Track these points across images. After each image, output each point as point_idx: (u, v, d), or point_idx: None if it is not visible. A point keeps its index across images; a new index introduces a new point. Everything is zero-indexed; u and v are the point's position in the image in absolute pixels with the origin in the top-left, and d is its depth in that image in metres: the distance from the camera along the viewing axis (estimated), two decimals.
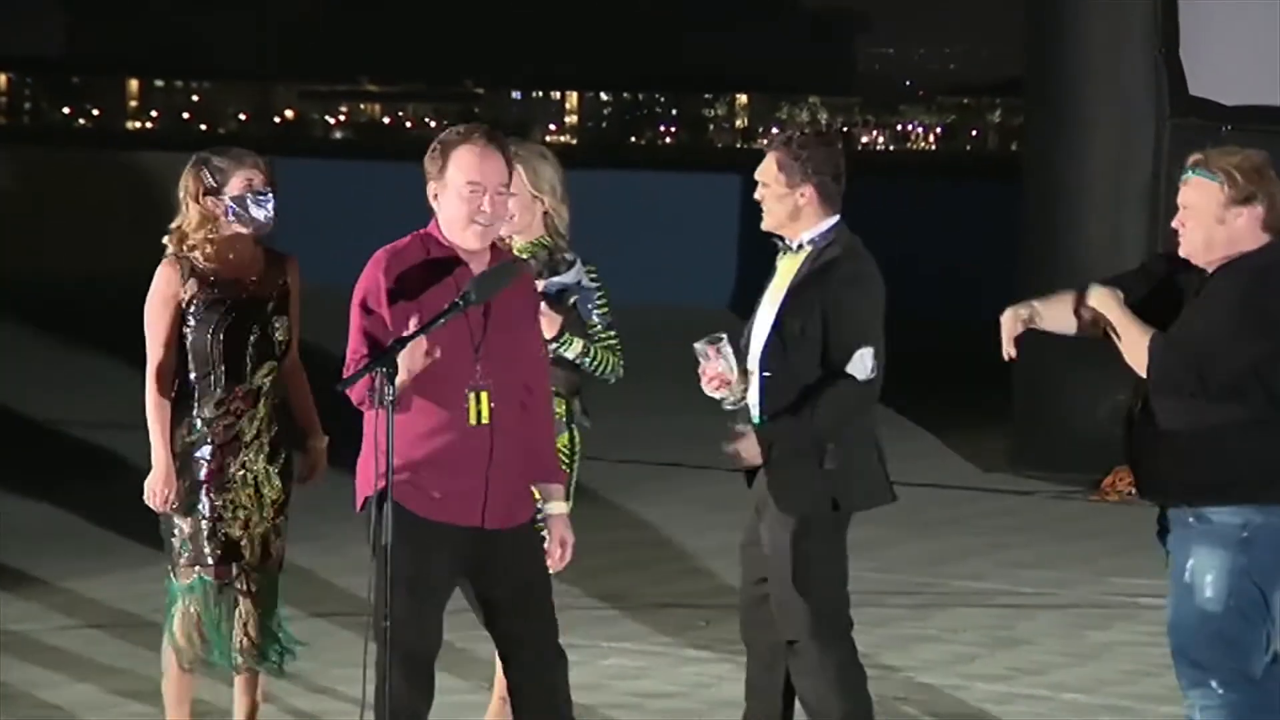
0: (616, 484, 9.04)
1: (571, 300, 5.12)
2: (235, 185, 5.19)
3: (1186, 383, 4.44)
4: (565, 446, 5.17)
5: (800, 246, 4.99)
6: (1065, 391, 10.00)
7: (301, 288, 5.34)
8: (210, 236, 5.19)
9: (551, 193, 5.21)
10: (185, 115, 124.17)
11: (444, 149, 4.51)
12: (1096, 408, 9.69)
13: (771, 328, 4.94)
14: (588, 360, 5.16)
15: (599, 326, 5.18)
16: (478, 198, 4.46)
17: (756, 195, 5.08)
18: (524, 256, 5.15)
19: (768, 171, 5.02)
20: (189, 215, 5.20)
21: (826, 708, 5.02)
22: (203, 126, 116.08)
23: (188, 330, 5.18)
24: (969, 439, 10.79)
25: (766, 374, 4.93)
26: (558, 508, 4.69)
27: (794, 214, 4.99)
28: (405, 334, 4.46)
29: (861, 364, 4.90)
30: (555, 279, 5.15)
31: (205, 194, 5.20)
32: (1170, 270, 4.65)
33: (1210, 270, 4.54)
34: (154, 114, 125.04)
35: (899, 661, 6.65)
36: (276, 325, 5.22)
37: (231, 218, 5.19)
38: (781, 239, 5.05)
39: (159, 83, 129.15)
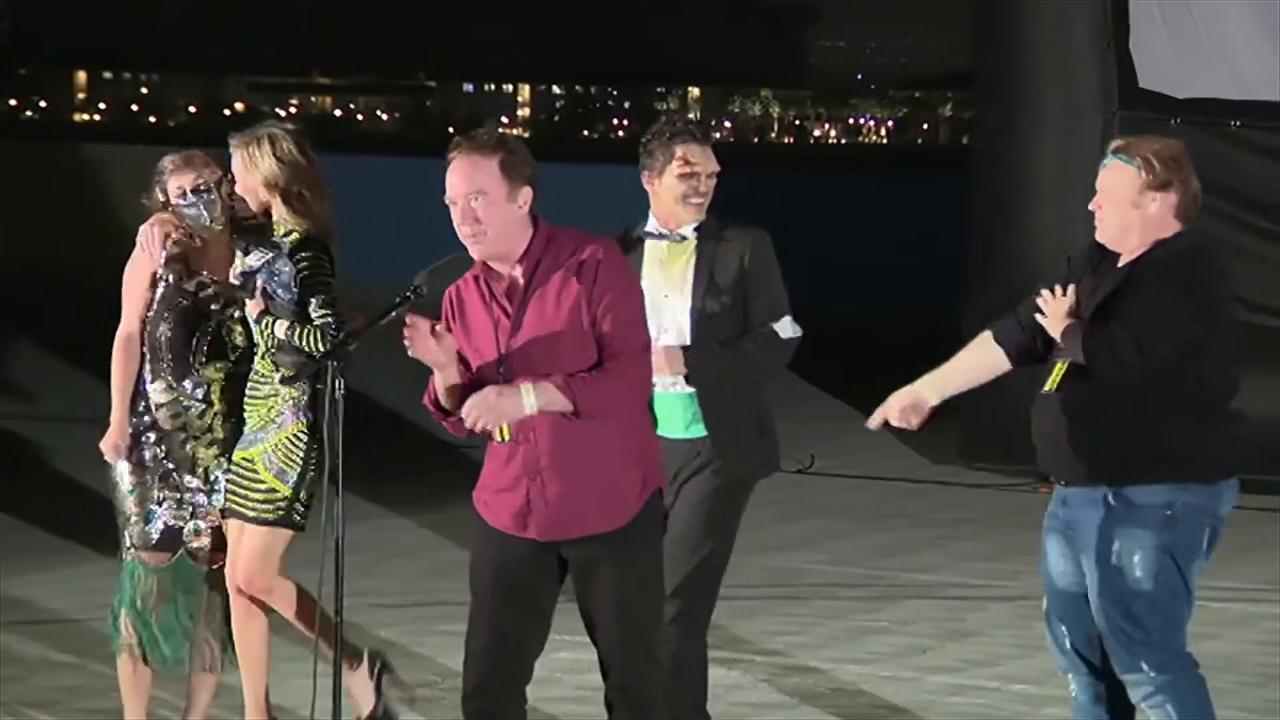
0: None
1: (258, 284, 5.20)
2: (171, 189, 5.30)
3: (1125, 358, 4.46)
4: (303, 432, 5.20)
5: (683, 237, 5.16)
6: (1014, 385, 10.03)
7: None
8: (175, 231, 5.30)
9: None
10: (134, 107, 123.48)
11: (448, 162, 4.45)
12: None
13: (693, 310, 5.08)
14: (295, 338, 5.18)
15: (314, 304, 5.19)
16: (456, 213, 4.39)
17: (704, 188, 5.17)
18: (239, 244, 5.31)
19: (713, 161, 5.17)
20: (168, 217, 5.33)
21: (697, 669, 5.12)
22: (151, 119, 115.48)
23: (147, 312, 5.29)
24: (919, 432, 10.80)
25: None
26: (527, 397, 4.33)
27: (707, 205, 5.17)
28: (354, 329, 4.44)
29: (788, 326, 5.17)
30: (246, 263, 5.26)
31: (163, 206, 5.34)
32: (1089, 261, 4.71)
33: (1129, 258, 4.60)
34: (102, 106, 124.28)
35: (850, 654, 6.68)
36: (235, 329, 5.26)
37: (183, 225, 5.29)
38: (664, 231, 5.18)
39: (107, 74, 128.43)
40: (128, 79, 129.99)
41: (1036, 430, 4.75)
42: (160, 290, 5.28)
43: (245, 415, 5.26)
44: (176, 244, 5.28)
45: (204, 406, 5.25)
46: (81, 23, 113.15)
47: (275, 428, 5.23)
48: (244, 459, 5.24)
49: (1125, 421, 4.53)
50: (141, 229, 5.35)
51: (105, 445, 5.29)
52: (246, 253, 5.28)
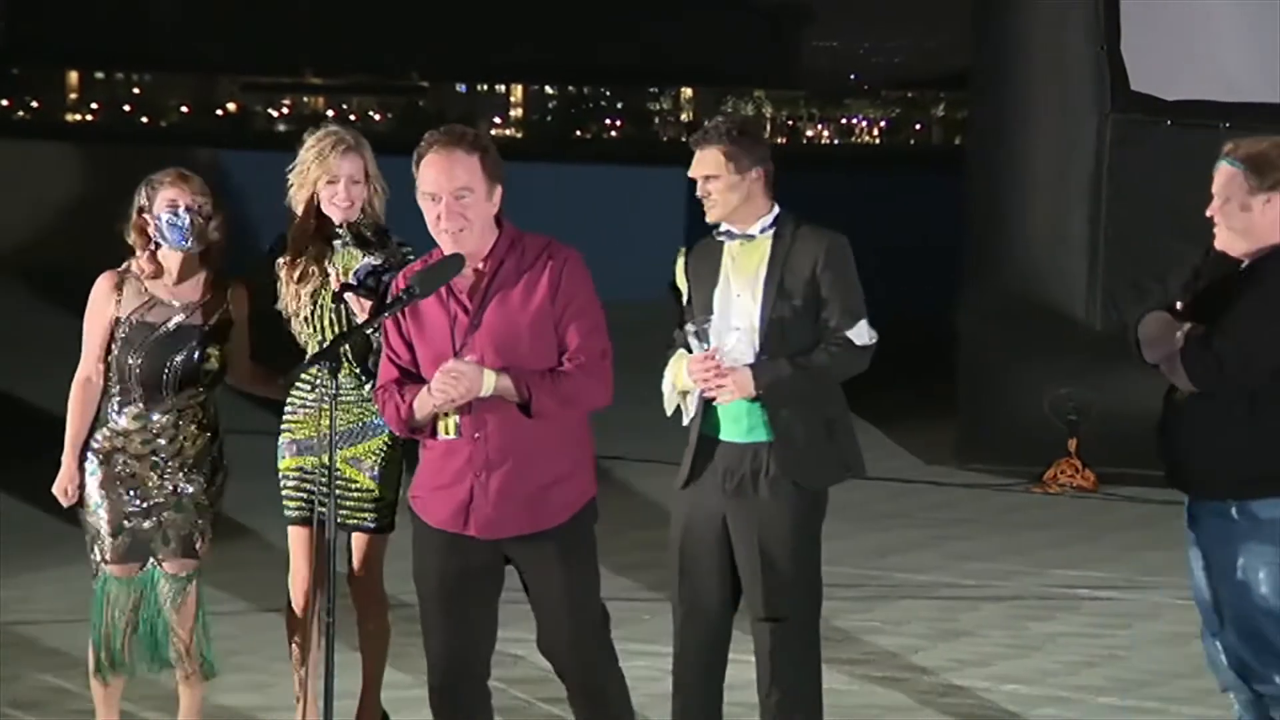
0: None
1: (384, 283, 5.10)
2: (160, 204, 5.19)
3: (1225, 372, 4.41)
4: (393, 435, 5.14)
5: (752, 236, 5.06)
6: (1009, 385, 10.06)
7: (253, 307, 5.32)
8: (150, 254, 5.23)
9: (378, 176, 5.31)
10: (126, 108, 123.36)
11: (416, 159, 4.45)
12: (1042, 401, 9.75)
13: (762, 315, 4.98)
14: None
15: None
16: (435, 208, 4.39)
17: (701, 190, 5.08)
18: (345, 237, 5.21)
19: (714, 163, 5.04)
20: (133, 238, 5.25)
21: (808, 689, 5.06)
22: (144, 119, 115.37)
23: (114, 347, 5.22)
24: (914, 432, 10.84)
25: (765, 358, 4.99)
26: (488, 375, 4.36)
27: (745, 201, 5.05)
28: (345, 330, 4.45)
29: (864, 332, 5.04)
30: (369, 261, 5.19)
31: (140, 213, 5.23)
32: (1215, 265, 4.63)
33: (1246, 262, 4.53)
34: (94, 106, 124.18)
35: (843, 654, 6.68)
36: (209, 353, 5.22)
37: (158, 237, 5.22)
38: (729, 231, 5.09)
39: (99, 74, 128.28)
40: (120, 79, 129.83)
41: (1165, 445, 4.67)
42: (125, 325, 5.21)
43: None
44: (145, 275, 5.20)
45: (174, 432, 5.23)
46: (74, 23, 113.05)
47: (369, 433, 5.20)
48: (322, 465, 5.10)
49: (1245, 435, 4.50)
50: (58, 487, 5.27)
51: (57, 489, 5.30)
52: (366, 250, 5.16)
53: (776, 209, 5.10)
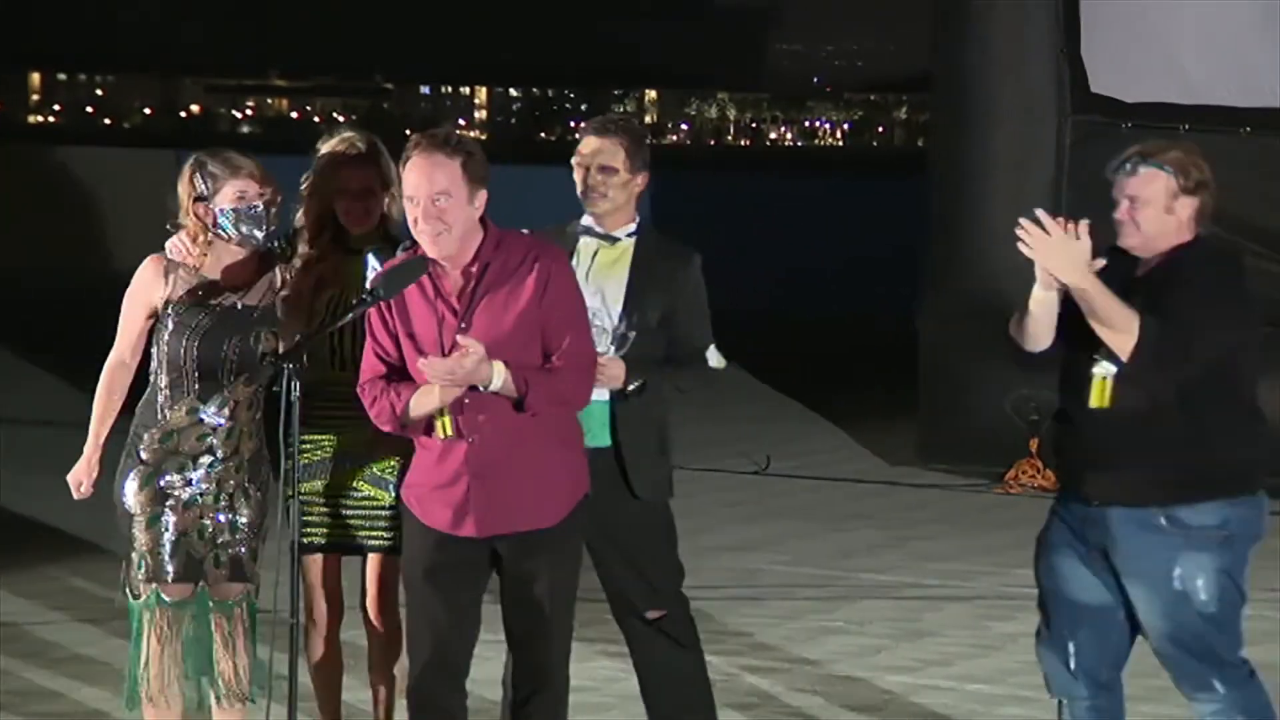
0: None
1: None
2: (227, 196, 4.88)
3: (1174, 359, 4.35)
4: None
5: (617, 239, 4.93)
6: (970, 386, 10.11)
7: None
8: (204, 245, 4.93)
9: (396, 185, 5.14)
10: (89, 109, 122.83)
11: (401, 162, 4.45)
12: (1004, 401, 9.80)
13: (620, 318, 4.87)
14: None
15: None
16: (414, 210, 4.40)
17: (594, 179, 4.89)
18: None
19: (616, 156, 4.87)
20: (188, 224, 4.93)
21: (699, 676, 5.07)
22: (107, 121, 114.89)
23: (164, 333, 4.90)
24: (876, 433, 10.88)
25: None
26: (497, 367, 4.34)
27: (626, 203, 4.92)
28: (309, 332, 4.45)
29: (715, 355, 4.96)
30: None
31: (197, 200, 4.91)
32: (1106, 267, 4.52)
33: (1150, 265, 4.49)
34: (57, 107, 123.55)
35: (807, 654, 6.70)
36: (264, 337, 4.92)
37: (221, 230, 4.90)
38: (591, 229, 4.95)
39: (62, 76, 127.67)
40: (83, 80, 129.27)
41: (1075, 448, 4.55)
42: (175, 310, 4.88)
43: (332, 437, 4.95)
44: (196, 264, 4.91)
45: (230, 426, 4.93)
46: (36, 24, 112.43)
47: (385, 449, 4.92)
48: (351, 487, 4.94)
49: (1173, 436, 4.42)
50: (74, 479, 4.95)
51: (72, 479, 4.97)
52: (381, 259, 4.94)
53: (639, 218, 4.98)
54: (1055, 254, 4.42)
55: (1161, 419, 4.43)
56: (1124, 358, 4.37)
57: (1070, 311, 4.46)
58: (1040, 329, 4.54)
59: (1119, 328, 4.36)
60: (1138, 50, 9.86)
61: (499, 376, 4.35)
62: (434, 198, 4.37)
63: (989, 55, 10.15)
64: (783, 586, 7.77)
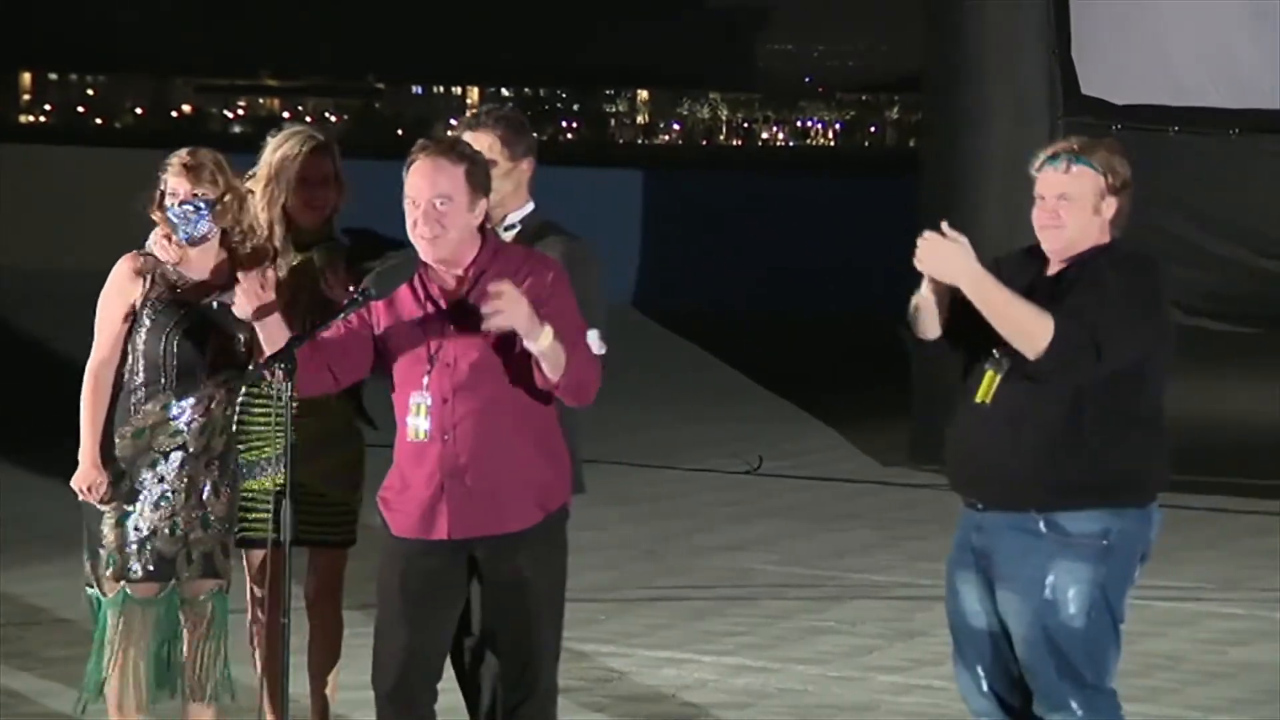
0: None
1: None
2: (168, 194, 4.92)
3: (1084, 359, 4.20)
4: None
5: (509, 226, 4.88)
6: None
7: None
8: (177, 242, 4.94)
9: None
10: (80, 109, 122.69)
11: (406, 165, 4.45)
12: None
13: None
14: None
15: None
16: (414, 212, 4.40)
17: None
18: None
19: (488, 147, 4.77)
20: (155, 215, 4.96)
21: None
22: (98, 120, 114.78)
23: (140, 331, 4.91)
24: (869, 433, 10.89)
25: None
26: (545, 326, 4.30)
27: (514, 190, 4.86)
28: (299, 332, 4.45)
29: (596, 340, 4.77)
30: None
31: (162, 196, 4.94)
32: (1009, 265, 4.46)
33: (1060, 265, 4.36)
34: (48, 107, 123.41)
35: (799, 654, 6.71)
36: (241, 335, 4.93)
37: (166, 225, 4.93)
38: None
39: (53, 76, 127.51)
40: (74, 80, 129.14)
41: (958, 445, 4.44)
42: (152, 308, 4.90)
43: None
44: (172, 260, 4.92)
45: (203, 422, 4.95)
46: (27, 24, 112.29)
47: (337, 446, 5.09)
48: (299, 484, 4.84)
49: (1060, 439, 4.25)
50: (83, 483, 4.92)
51: (79, 483, 4.92)
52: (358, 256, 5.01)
53: (531, 204, 4.92)
54: (943, 262, 4.36)
55: (1043, 419, 4.26)
56: (1030, 357, 4.23)
57: (969, 309, 4.32)
58: (927, 320, 4.45)
59: (1027, 329, 4.22)
60: (1128, 52, 9.89)
61: (547, 336, 4.32)
62: (435, 201, 4.38)
63: (980, 56, 10.18)
64: (775, 586, 7.77)
